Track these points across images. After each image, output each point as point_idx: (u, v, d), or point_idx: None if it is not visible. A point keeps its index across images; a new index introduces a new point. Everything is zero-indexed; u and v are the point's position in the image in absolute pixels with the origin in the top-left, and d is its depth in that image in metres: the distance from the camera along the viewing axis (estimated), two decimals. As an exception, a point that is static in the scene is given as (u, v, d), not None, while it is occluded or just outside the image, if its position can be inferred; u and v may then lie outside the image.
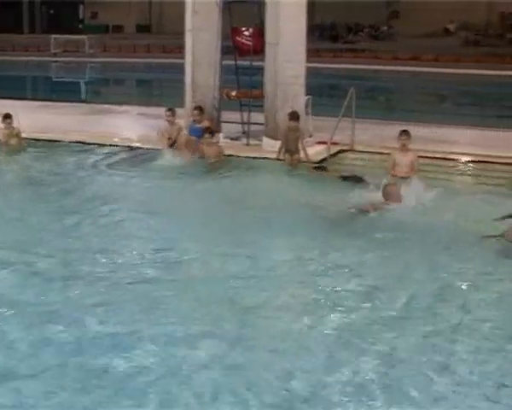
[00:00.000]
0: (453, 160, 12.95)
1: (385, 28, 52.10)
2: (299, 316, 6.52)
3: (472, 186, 11.62)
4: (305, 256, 8.05)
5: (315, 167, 12.32)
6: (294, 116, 12.67)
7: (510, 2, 49.49)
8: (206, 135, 12.67)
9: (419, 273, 7.51)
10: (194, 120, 13.62)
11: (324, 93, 22.83)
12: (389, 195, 9.69)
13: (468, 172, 12.50)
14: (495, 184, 11.35)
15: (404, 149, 11.30)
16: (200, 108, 13.67)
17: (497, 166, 12.36)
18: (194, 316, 6.36)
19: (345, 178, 11.49)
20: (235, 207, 10.08)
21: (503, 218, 8.48)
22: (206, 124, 13.32)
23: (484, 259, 7.89)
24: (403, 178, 11.13)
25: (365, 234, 8.85)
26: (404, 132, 11.35)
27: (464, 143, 14.87)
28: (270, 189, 11.11)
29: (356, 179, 11.27)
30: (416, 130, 14.28)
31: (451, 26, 51.20)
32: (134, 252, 8.19)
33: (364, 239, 8.65)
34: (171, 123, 13.43)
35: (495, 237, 8.11)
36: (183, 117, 14.21)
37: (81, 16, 60.78)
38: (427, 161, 12.41)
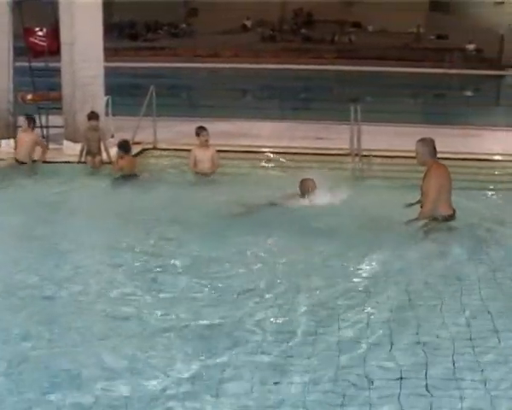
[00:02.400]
0: (256, 152, 13.17)
1: (184, 26, 52.38)
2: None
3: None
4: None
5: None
6: (94, 116, 12.38)
7: (303, 1, 51.57)
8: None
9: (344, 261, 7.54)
10: None
11: (125, 92, 22.48)
12: (305, 188, 9.66)
13: (276, 164, 12.72)
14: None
15: (204, 144, 11.38)
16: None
17: (308, 157, 12.67)
18: None
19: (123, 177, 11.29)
20: (32, 218, 9.27)
21: (411, 204, 8.77)
22: None
23: (414, 239, 8.13)
24: (205, 173, 11.29)
25: (275, 226, 8.72)
26: (203, 129, 11.44)
27: (266, 136, 15.26)
28: (70, 193, 10.73)
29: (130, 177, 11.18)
30: (218, 125, 14.53)
31: (248, 23, 52.42)
32: None
33: (275, 231, 8.54)
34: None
35: (414, 220, 8.37)
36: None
37: None
38: (231, 155, 12.61)
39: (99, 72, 13.60)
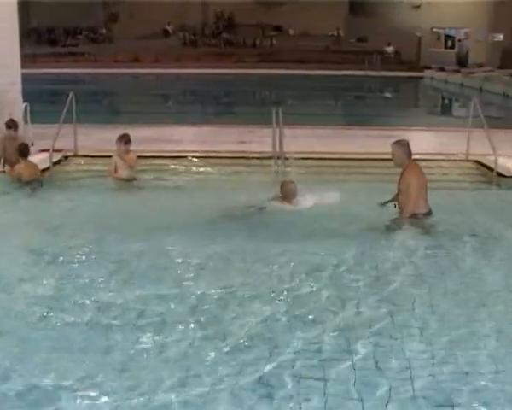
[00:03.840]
0: (179, 157, 13.11)
1: (104, 31, 51.82)
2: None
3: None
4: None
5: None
6: (12, 125, 12.08)
7: (224, 3, 51.64)
8: None
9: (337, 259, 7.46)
10: None
11: (44, 99, 22.15)
12: (287, 192, 9.53)
13: (199, 169, 12.68)
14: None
15: (125, 151, 11.26)
16: None
17: (231, 161, 12.71)
18: None
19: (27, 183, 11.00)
20: None
21: (385, 203, 9.01)
22: None
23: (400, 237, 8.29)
24: (126, 180, 11.20)
25: (263, 230, 8.66)
26: (124, 135, 11.31)
27: (188, 140, 15.24)
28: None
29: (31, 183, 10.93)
30: (140, 131, 14.44)
31: (169, 28, 52.21)
32: None
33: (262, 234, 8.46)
34: None
35: (398, 219, 8.62)
36: None
37: None
38: (153, 160, 12.55)
39: (16, 78, 13.33)
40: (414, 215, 8.62)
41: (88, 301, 6.32)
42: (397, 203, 8.85)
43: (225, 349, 5.40)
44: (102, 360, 5.25)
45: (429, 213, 8.69)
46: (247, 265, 7.37)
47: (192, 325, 5.82)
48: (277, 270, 7.20)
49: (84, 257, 7.64)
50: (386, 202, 9.04)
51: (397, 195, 8.84)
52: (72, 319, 5.97)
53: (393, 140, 8.86)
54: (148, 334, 5.67)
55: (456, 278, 7.01)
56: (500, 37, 47.57)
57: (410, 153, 8.66)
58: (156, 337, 5.61)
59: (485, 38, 48.22)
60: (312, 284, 6.73)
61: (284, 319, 5.96)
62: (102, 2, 52.12)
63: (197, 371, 5.07)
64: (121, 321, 5.90)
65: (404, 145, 8.70)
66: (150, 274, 7.09)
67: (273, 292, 6.55)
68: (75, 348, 5.44)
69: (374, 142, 14.65)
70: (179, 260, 7.52)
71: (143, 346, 5.48)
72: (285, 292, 6.56)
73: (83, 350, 5.39)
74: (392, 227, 8.63)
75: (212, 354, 5.32)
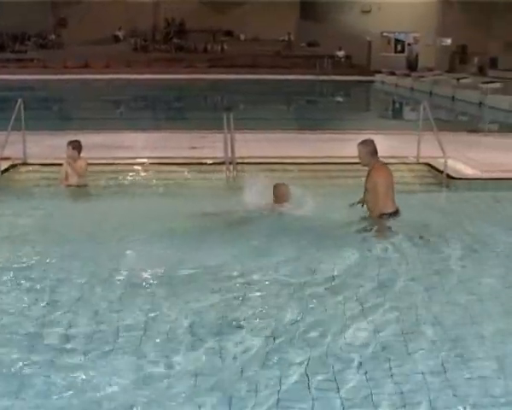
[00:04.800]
0: (130, 164, 12.98)
1: (53, 36, 51.17)
2: None
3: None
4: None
5: None
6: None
7: (175, 9, 51.50)
8: None
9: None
10: None
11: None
12: (280, 195, 9.48)
13: (150, 175, 12.57)
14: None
15: (75, 158, 11.09)
16: None
17: (183, 167, 12.62)
18: None
19: None
20: None
21: (353, 204, 9.06)
22: None
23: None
24: (76, 186, 11.03)
25: (259, 232, 8.59)
26: (74, 142, 11.15)
27: (140, 146, 15.11)
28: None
29: None
30: (91, 137, 14.28)
31: (120, 33, 51.85)
32: None
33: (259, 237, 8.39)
34: None
35: (368, 218, 8.80)
36: None
37: None
38: (104, 167, 12.39)
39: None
40: (381, 215, 8.68)
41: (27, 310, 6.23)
42: (364, 203, 8.90)
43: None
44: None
45: (396, 213, 8.75)
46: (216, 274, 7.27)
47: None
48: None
49: (28, 265, 7.52)
50: (357, 203, 9.06)
51: (364, 194, 8.89)
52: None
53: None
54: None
55: (409, 279, 7.08)
56: (448, 41, 48.35)
57: (375, 152, 8.69)
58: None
59: (434, 42, 48.98)
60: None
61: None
62: (51, 6, 51.43)
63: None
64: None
65: (368, 145, 8.74)
66: (99, 283, 6.98)
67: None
68: None
69: (325, 145, 14.72)
70: (130, 268, 7.43)
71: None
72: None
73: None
74: (360, 228, 8.67)
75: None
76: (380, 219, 8.71)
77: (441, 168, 11.96)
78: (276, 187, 9.56)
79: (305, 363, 5.21)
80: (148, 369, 5.17)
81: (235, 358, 5.34)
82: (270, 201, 9.46)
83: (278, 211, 9.32)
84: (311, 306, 6.32)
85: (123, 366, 5.20)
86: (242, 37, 52.56)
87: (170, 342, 5.60)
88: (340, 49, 47.49)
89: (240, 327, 5.90)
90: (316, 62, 44.12)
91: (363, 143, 8.82)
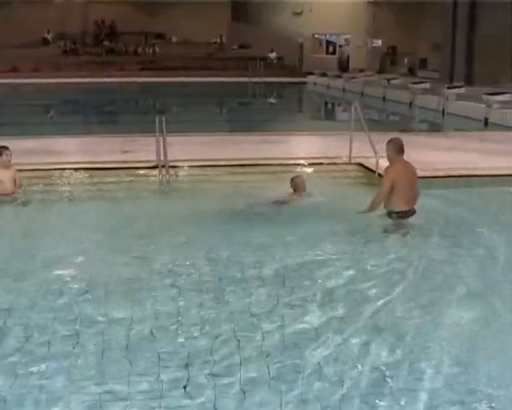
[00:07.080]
0: (62, 169, 12.69)
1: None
2: None
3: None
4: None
5: None
6: None
7: (105, 11, 50.99)
8: None
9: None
10: None
11: None
12: (297, 186, 10.21)
13: (82, 181, 12.32)
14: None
15: (5, 164, 10.81)
16: None
17: (115, 172, 12.44)
18: None
19: None
20: None
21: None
22: None
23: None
24: (7, 194, 10.73)
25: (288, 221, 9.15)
26: (4, 148, 10.86)
27: (70, 151, 14.84)
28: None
29: None
30: (21, 143, 13.97)
31: (49, 36, 51.01)
32: None
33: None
34: None
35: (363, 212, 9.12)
36: None
37: None
38: (35, 173, 12.11)
39: None
40: (389, 213, 8.88)
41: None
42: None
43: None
44: None
45: (405, 213, 8.87)
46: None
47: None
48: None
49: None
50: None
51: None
52: None
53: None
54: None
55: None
56: (378, 42, 49.01)
57: (399, 150, 8.86)
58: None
59: (365, 43, 49.59)
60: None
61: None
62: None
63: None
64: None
65: (391, 141, 8.95)
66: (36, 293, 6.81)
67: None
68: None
69: (259, 147, 14.71)
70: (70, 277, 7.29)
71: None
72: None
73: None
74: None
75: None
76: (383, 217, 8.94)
77: (373, 168, 12.05)
78: (294, 179, 10.35)
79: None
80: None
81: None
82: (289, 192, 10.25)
83: (299, 200, 10.06)
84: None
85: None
86: (174, 39, 52.34)
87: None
88: (272, 51, 47.65)
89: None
90: (248, 64, 44.15)
91: (391, 140, 9.01)
